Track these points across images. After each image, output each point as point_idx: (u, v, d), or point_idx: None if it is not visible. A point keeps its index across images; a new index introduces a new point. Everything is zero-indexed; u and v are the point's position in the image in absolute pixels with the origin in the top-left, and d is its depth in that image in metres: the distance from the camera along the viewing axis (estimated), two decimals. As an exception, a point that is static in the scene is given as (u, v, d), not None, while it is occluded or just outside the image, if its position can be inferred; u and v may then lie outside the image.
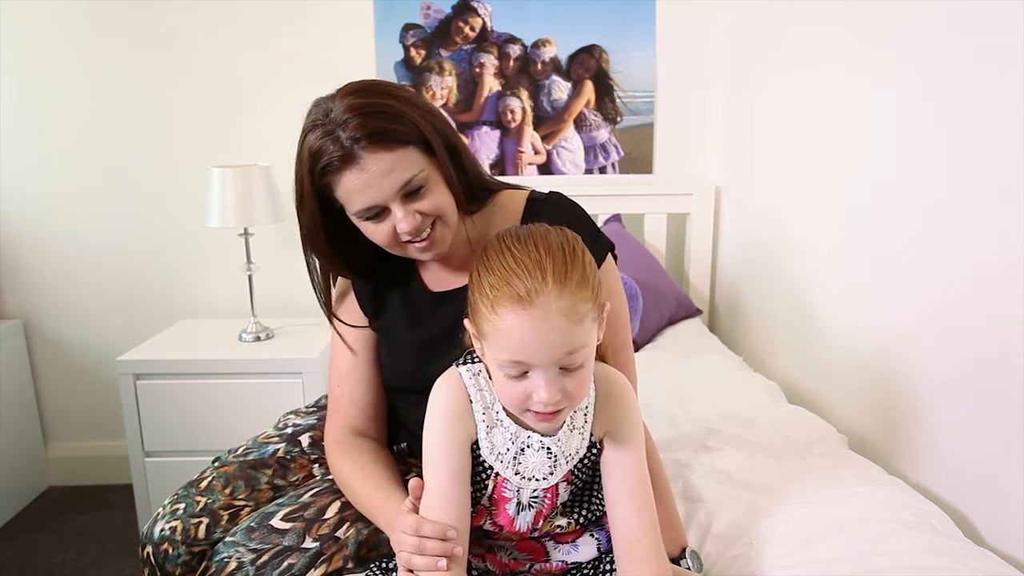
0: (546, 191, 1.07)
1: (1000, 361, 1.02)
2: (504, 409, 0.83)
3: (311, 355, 1.85)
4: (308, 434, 1.15)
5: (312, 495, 1.01)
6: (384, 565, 0.92)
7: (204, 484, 1.06)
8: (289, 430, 1.17)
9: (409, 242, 0.91)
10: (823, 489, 1.12)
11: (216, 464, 1.11)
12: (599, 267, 0.94)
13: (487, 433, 0.83)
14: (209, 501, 1.03)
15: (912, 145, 1.21)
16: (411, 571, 0.79)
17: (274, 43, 2.08)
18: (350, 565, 0.94)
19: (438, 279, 1.04)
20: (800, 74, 1.62)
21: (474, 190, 0.99)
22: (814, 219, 1.56)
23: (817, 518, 1.04)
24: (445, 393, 0.84)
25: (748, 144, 1.94)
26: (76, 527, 2.04)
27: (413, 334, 1.01)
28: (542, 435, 0.82)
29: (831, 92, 1.48)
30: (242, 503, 1.04)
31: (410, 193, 0.88)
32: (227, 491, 1.05)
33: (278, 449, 1.12)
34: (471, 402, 0.83)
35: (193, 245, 2.17)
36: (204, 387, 1.83)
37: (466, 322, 0.80)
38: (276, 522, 0.96)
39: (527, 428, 0.83)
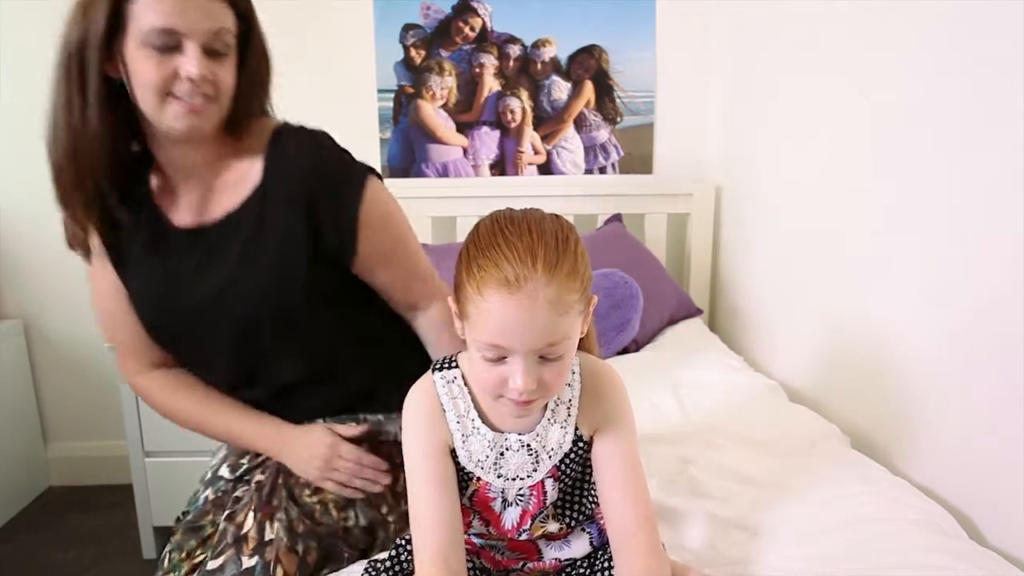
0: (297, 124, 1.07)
1: (1004, 360, 1.01)
2: (479, 416, 0.81)
3: (311, 355, 1.83)
4: (225, 465, 1.12)
5: (225, 520, 0.99)
6: (381, 565, 0.91)
7: (166, 563, 1.02)
8: (208, 474, 1.15)
9: (179, 98, 0.87)
10: (826, 487, 1.11)
11: (169, 543, 1.07)
12: (361, 195, 0.99)
13: (463, 442, 0.82)
14: (177, 574, 1.00)
15: (913, 142, 1.20)
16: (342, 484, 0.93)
17: (274, 43, 2.06)
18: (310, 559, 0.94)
19: (181, 214, 1.01)
20: (800, 73, 1.61)
21: (251, 111, 1.00)
22: (815, 218, 1.55)
23: (821, 515, 1.04)
24: (418, 400, 0.83)
25: (748, 144, 1.93)
26: (76, 527, 2.02)
27: (159, 271, 1.00)
28: (520, 434, 0.81)
29: (831, 91, 1.47)
30: (201, 557, 1.01)
31: (212, 52, 0.88)
32: (184, 555, 1.02)
33: (207, 495, 1.10)
34: (444, 410, 0.82)
35: (193, 245, 2.15)
36: (204, 387, 1.81)
37: (449, 300, 0.79)
38: (212, 565, 0.93)
39: (503, 431, 0.82)
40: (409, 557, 0.88)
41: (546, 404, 0.82)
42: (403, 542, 0.91)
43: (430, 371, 0.85)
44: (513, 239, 0.72)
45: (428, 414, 0.82)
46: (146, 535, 1.87)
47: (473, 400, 0.83)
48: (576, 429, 0.82)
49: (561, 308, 0.71)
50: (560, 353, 0.73)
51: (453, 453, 0.82)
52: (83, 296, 2.15)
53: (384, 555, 0.93)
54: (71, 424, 2.25)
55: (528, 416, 0.79)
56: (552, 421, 0.82)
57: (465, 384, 0.83)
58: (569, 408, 0.82)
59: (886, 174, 1.28)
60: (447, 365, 0.85)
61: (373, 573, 0.90)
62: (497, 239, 0.73)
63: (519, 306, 0.70)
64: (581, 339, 0.80)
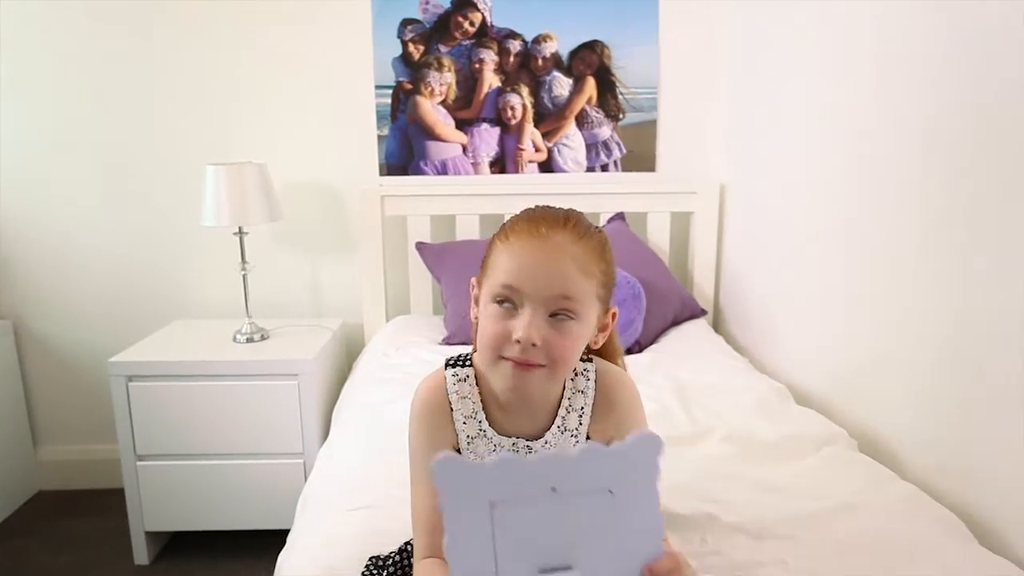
0: None
1: (1017, 359, 1.01)
2: (487, 419, 0.81)
3: (307, 356, 1.83)
4: None
5: None
6: (384, 564, 0.90)
7: None
8: None
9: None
10: (834, 491, 1.11)
11: None
12: None
13: (468, 443, 0.81)
14: None
15: (923, 138, 1.19)
16: None
17: (271, 39, 2.07)
18: None
19: None
20: (807, 68, 1.60)
21: None
22: (821, 217, 1.55)
23: (828, 519, 1.03)
24: (425, 396, 0.83)
25: (753, 140, 1.93)
26: (67, 532, 2.02)
27: None
28: (528, 441, 0.80)
29: (838, 86, 1.46)
30: None
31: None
32: None
33: None
34: (451, 409, 0.81)
35: (187, 244, 2.15)
36: (197, 389, 1.81)
37: (473, 280, 0.80)
38: None
39: (511, 435, 0.81)
40: (411, 561, 0.88)
41: (556, 410, 0.81)
42: (408, 547, 0.90)
43: (443, 366, 0.84)
44: (549, 211, 0.78)
45: (435, 411, 0.81)
46: (138, 540, 1.86)
47: (483, 401, 0.82)
48: (588, 438, 0.82)
49: (583, 267, 0.73)
50: (571, 314, 0.73)
51: (458, 454, 0.81)
52: (74, 297, 2.16)
53: (387, 552, 0.92)
54: (61, 427, 2.24)
55: (524, 383, 0.75)
56: (563, 429, 0.81)
57: (477, 384, 0.82)
58: (581, 416, 0.82)
59: (899, 170, 1.28)
60: (461, 363, 0.84)
61: (375, 570, 0.89)
62: (533, 210, 0.78)
63: (541, 250, 0.73)
64: (604, 348, 0.81)
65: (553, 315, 0.72)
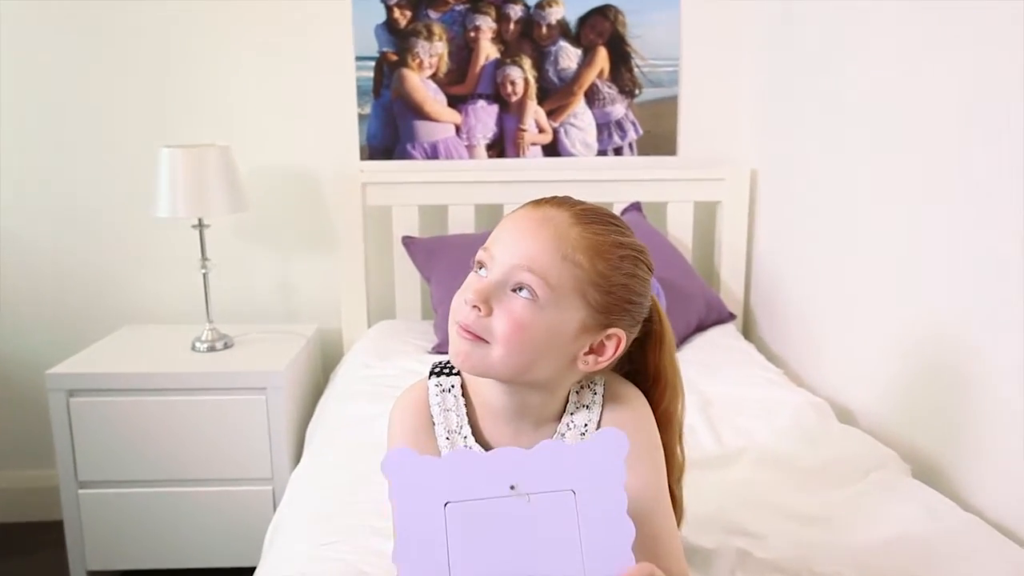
0: None
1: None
2: (472, 434, 0.82)
3: (276, 367, 1.83)
4: None
5: None
6: None
7: None
8: None
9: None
10: (883, 523, 1.11)
11: None
12: None
13: None
14: None
15: (978, 119, 1.19)
16: None
17: (235, 4, 2.07)
18: None
19: None
20: (847, 40, 1.61)
21: None
22: (868, 208, 1.55)
23: (877, 556, 1.03)
24: (405, 409, 0.85)
25: (789, 120, 1.93)
26: (-2, 571, 2.01)
27: None
28: None
29: (882, 60, 1.46)
30: None
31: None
32: None
33: None
34: (433, 424, 0.84)
35: (138, 238, 2.15)
36: (150, 405, 1.81)
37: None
38: None
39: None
40: None
41: (556, 427, 0.83)
42: None
43: (428, 375, 0.86)
44: (571, 197, 0.81)
45: (415, 427, 0.83)
46: (81, 580, 1.86)
47: (469, 414, 0.83)
48: None
49: (566, 251, 0.74)
50: (531, 293, 0.73)
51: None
52: (5, 299, 2.15)
53: None
54: (-7, 449, 2.24)
55: (463, 360, 0.77)
56: None
57: (463, 395, 0.83)
58: (584, 434, 0.83)
59: (951, 149, 1.27)
60: (446, 371, 0.85)
61: None
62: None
63: (527, 217, 0.77)
64: (656, 406, 0.86)
65: (515, 290, 0.75)
